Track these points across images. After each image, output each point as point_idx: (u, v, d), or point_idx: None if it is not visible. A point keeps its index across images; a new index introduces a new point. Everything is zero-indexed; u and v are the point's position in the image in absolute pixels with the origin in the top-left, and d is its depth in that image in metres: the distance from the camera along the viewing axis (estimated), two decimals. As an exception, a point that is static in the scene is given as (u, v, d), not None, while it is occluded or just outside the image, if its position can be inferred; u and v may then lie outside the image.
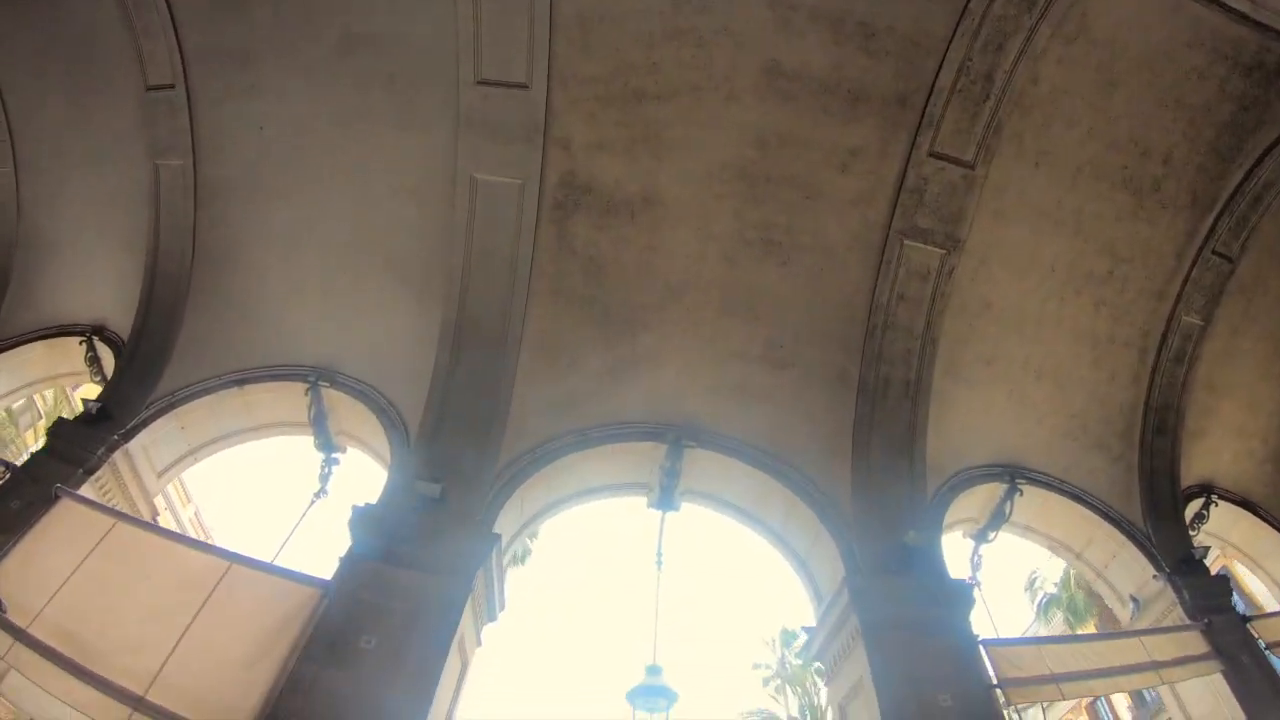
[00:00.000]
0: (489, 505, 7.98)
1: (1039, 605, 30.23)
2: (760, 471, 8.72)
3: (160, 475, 9.69)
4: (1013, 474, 9.53)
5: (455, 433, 8.37)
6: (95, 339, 10.58)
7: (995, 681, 7.65)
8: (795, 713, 38.88)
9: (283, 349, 9.47)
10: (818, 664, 8.61)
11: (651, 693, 7.87)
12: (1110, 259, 9.42)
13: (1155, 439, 10.15)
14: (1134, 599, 9.93)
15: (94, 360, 10.64)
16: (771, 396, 9.00)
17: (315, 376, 9.25)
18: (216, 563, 7.60)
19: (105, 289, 10.48)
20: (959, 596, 8.05)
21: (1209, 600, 9.39)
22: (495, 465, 8.22)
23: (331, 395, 9.27)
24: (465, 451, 8.23)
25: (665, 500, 8.93)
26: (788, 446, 8.82)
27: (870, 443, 8.75)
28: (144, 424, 9.10)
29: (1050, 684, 8.05)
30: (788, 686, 39.43)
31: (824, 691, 37.78)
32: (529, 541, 27.15)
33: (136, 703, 6.54)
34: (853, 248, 8.71)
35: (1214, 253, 9.75)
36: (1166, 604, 9.59)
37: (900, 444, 8.76)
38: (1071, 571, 28.76)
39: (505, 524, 8.06)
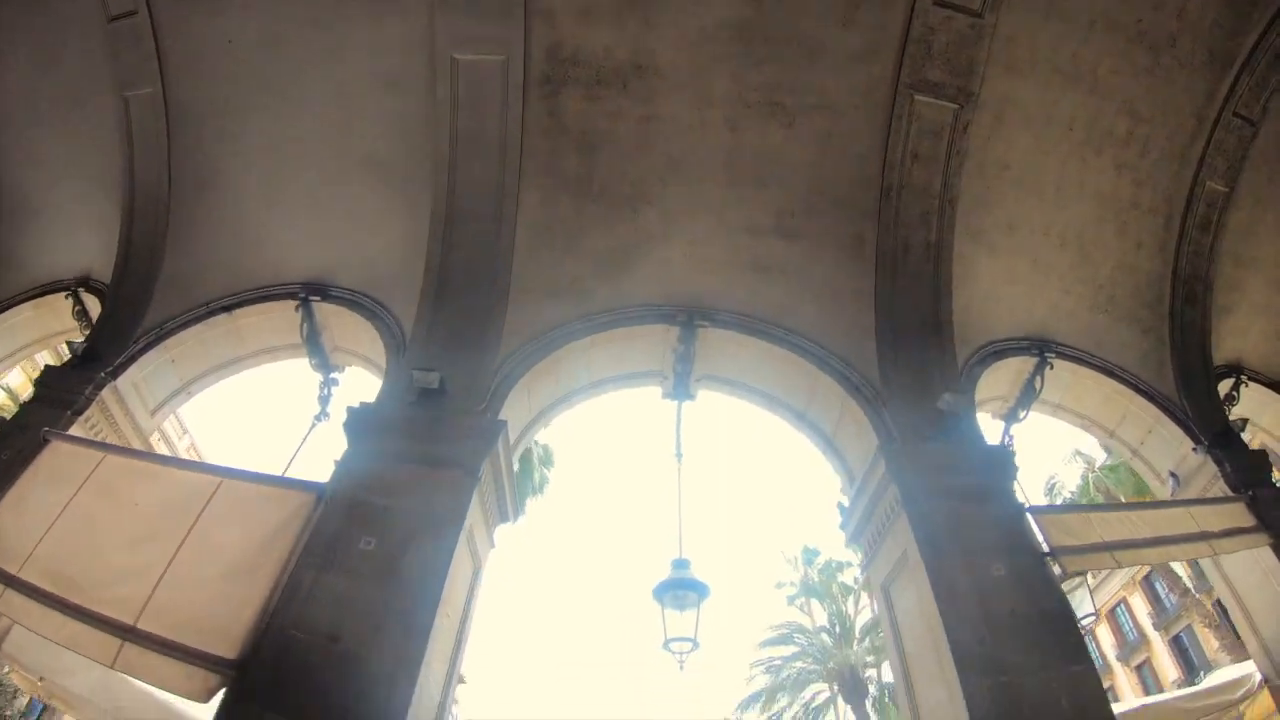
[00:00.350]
0: (492, 395, 7.10)
1: (1058, 511, 29.94)
2: (778, 348, 7.81)
3: (154, 413, 8.86)
4: (1041, 347, 8.65)
5: (452, 326, 7.48)
6: (81, 291, 9.79)
7: (1048, 550, 6.82)
8: (824, 622, 37.90)
9: (271, 269, 8.61)
10: (854, 548, 7.70)
11: (680, 586, 6.97)
12: (1130, 119, 8.52)
13: (1185, 310, 9.27)
14: (1173, 475, 9.08)
15: (82, 314, 9.85)
16: (786, 269, 8.08)
17: (305, 292, 8.39)
18: (207, 480, 6.81)
19: (88, 239, 9.65)
20: (1001, 463, 7.19)
21: (1250, 474, 8.64)
22: (497, 355, 7.33)
23: (324, 310, 8.41)
24: (464, 343, 7.35)
25: (680, 389, 8.01)
26: (806, 320, 7.91)
27: (894, 310, 7.84)
28: (132, 359, 8.31)
29: (1104, 552, 7.20)
30: (813, 602, 38.48)
31: (850, 604, 36.79)
32: (546, 471, 26.23)
33: (127, 633, 5.74)
34: (861, 106, 7.76)
35: (1235, 114, 8.82)
36: (1207, 478, 8.77)
37: (925, 310, 7.85)
38: (1090, 476, 28.04)
39: (512, 415, 7.17)
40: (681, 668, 6.91)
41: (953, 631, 5.97)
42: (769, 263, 8.04)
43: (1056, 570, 6.74)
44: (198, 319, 8.56)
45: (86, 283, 9.72)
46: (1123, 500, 25.51)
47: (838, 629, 36.71)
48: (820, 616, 38.19)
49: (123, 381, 8.24)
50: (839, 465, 7.96)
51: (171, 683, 5.67)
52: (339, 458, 6.72)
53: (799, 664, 37.76)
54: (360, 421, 6.84)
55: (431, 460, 6.51)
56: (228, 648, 5.66)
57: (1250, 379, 10.19)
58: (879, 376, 7.52)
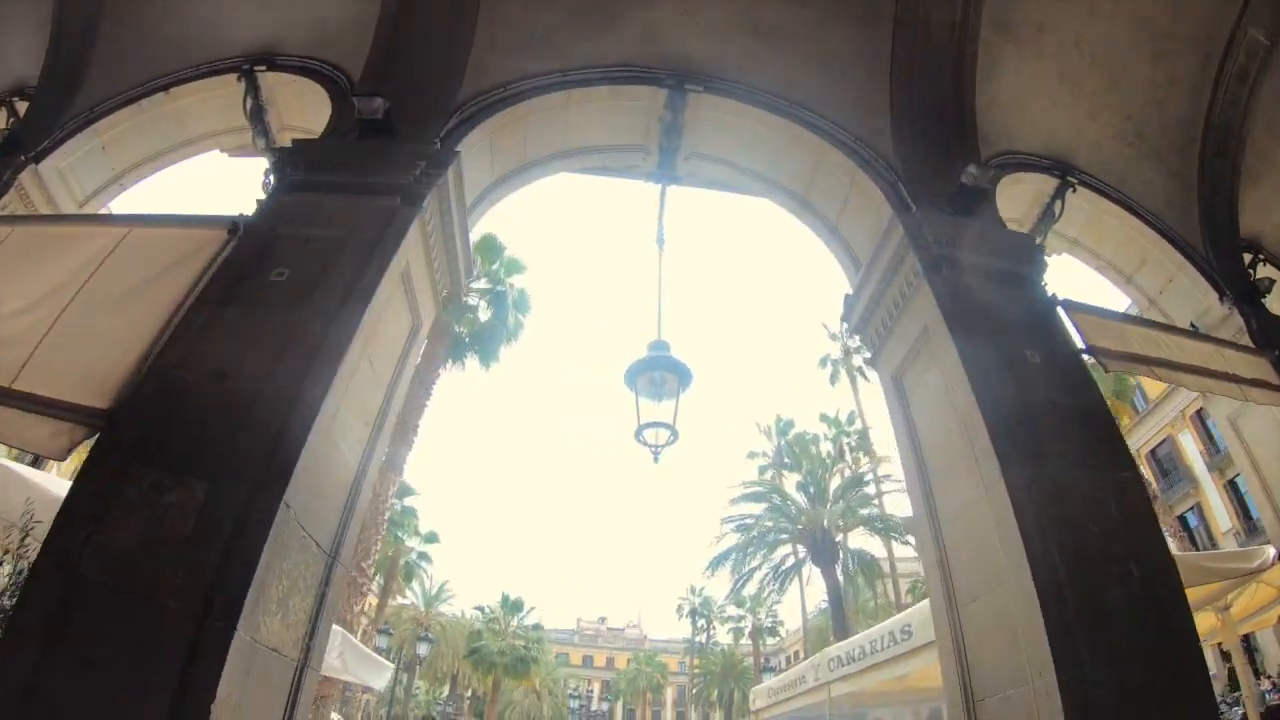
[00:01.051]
0: (448, 134, 5.49)
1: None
2: (779, 118, 6.16)
3: (82, 206, 7.25)
4: (1064, 170, 7.11)
5: (406, 69, 5.80)
6: (15, 101, 8.12)
7: (1084, 347, 5.34)
8: (796, 490, 34.57)
9: (213, 43, 6.91)
10: (858, 339, 6.15)
11: (657, 368, 5.40)
12: (1174, -62, 6.99)
13: (1215, 161, 7.71)
14: (1194, 326, 7.62)
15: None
16: (792, 35, 6.39)
17: (249, 64, 6.76)
18: (114, 232, 5.29)
19: (22, 45, 7.86)
20: (1029, 250, 5.70)
21: (1275, 335, 7.20)
22: (456, 95, 5.71)
23: (270, 81, 6.75)
24: (417, 85, 5.64)
25: (665, 166, 6.36)
26: (813, 92, 6.25)
27: (912, 86, 6.17)
28: (57, 143, 6.81)
29: (1141, 364, 5.75)
30: (785, 474, 35.89)
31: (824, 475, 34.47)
32: (521, 317, 24.32)
33: (4, 396, 4.30)
34: None
35: (1286, -41, 7.34)
36: (1231, 333, 7.37)
37: (947, 91, 6.17)
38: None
39: (470, 168, 5.58)
40: (657, 459, 5.36)
41: (988, 413, 4.49)
42: (773, 27, 6.35)
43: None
44: (132, 100, 6.96)
45: (21, 92, 8.03)
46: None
47: (812, 489, 34.12)
48: (793, 487, 35.61)
49: (45, 167, 6.73)
50: (843, 253, 6.36)
51: (38, 442, 4.32)
52: (262, 196, 5.21)
53: (770, 522, 34.97)
54: (290, 157, 5.30)
55: (368, 189, 4.99)
56: (100, 397, 4.22)
57: (1268, 261, 8.70)
58: (893, 152, 5.95)
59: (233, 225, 4.97)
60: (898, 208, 5.55)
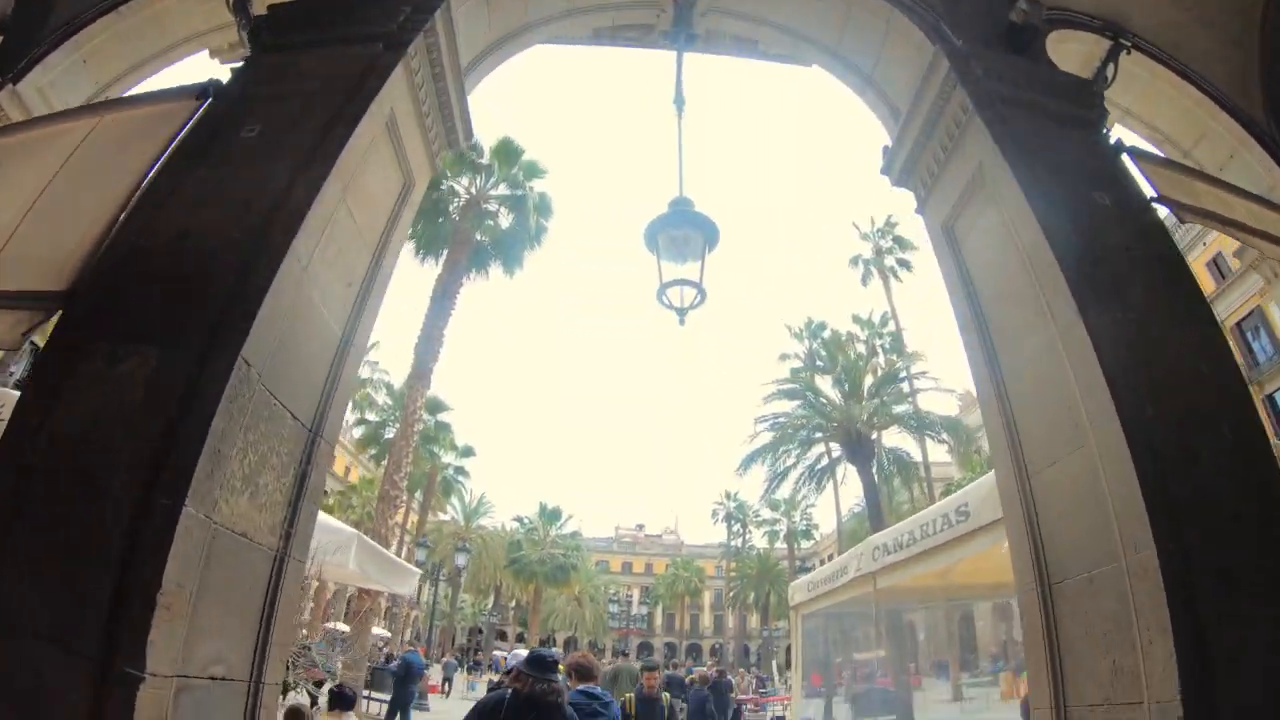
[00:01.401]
0: None
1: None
2: None
3: (66, 123, 6.50)
4: (1116, 32, 6.00)
5: None
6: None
7: (1155, 195, 4.36)
8: (831, 387, 31.08)
9: (196, -64, 6.06)
10: (903, 190, 5.14)
11: (678, 225, 4.50)
12: None
13: (1278, 32, 6.58)
14: (1258, 203, 6.53)
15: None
16: None
17: (230, -49, 5.86)
18: (85, 123, 4.57)
19: None
20: (1089, 95, 4.71)
21: (1340, 224, 6.05)
22: None
23: (253, -33, 5.88)
24: None
25: (681, 24, 5.24)
26: None
27: None
28: (35, 61, 5.96)
29: (1215, 221, 4.75)
30: (817, 379, 33.11)
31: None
32: (544, 220, 22.86)
33: None
34: None
35: None
36: (1298, 210, 6.22)
37: None
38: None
39: (465, 19, 4.63)
40: (682, 321, 4.50)
41: (1060, 250, 3.59)
42: None
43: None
44: (109, 8, 6.09)
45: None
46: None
47: (846, 385, 30.73)
48: (826, 388, 31.80)
49: (25, 87, 5.88)
50: (880, 105, 5.27)
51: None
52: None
53: (804, 418, 31.22)
54: (264, 23, 4.43)
55: (346, 39, 4.15)
56: (60, 280, 3.57)
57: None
58: (934, -7, 4.92)
59: (202, 90, 4.18)
60: (941, 43, 4.53)
